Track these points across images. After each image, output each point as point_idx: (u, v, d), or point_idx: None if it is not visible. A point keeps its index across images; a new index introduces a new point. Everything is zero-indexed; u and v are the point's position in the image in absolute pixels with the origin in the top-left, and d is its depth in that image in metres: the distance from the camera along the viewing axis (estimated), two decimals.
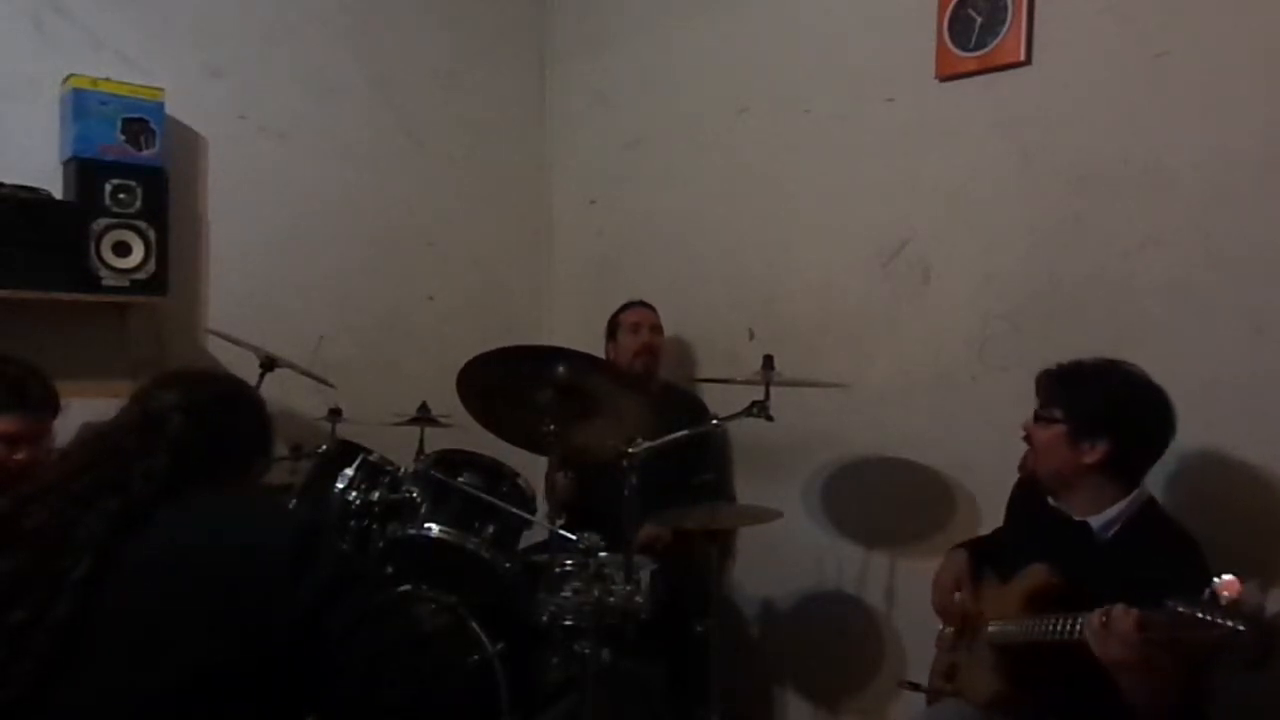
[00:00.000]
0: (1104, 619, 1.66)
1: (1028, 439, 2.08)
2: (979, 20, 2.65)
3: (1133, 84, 2.40)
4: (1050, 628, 1.81)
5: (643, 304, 3.37)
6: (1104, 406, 1.98)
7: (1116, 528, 1.97)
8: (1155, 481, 2.24)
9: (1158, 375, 2.26)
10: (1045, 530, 2.07)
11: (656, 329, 3.31)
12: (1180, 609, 1.52)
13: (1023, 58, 2.57)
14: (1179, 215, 2.33)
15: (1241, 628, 1.45)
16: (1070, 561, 1.95)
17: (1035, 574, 1.98)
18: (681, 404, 3.22)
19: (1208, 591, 1.50)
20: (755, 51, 3.27)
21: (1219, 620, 1.46)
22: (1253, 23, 2.22)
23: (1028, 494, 2.19)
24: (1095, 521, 1.98)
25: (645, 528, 2.76)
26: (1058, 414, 2.00)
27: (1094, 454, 1.96)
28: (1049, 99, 2.55)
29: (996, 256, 2.66)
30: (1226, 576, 1.51)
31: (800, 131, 3.13)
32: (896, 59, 2.85)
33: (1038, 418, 2.04)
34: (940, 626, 2.26)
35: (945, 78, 2.74)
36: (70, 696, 1.26)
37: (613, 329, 3.35)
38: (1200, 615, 1.49)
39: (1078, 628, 1.73)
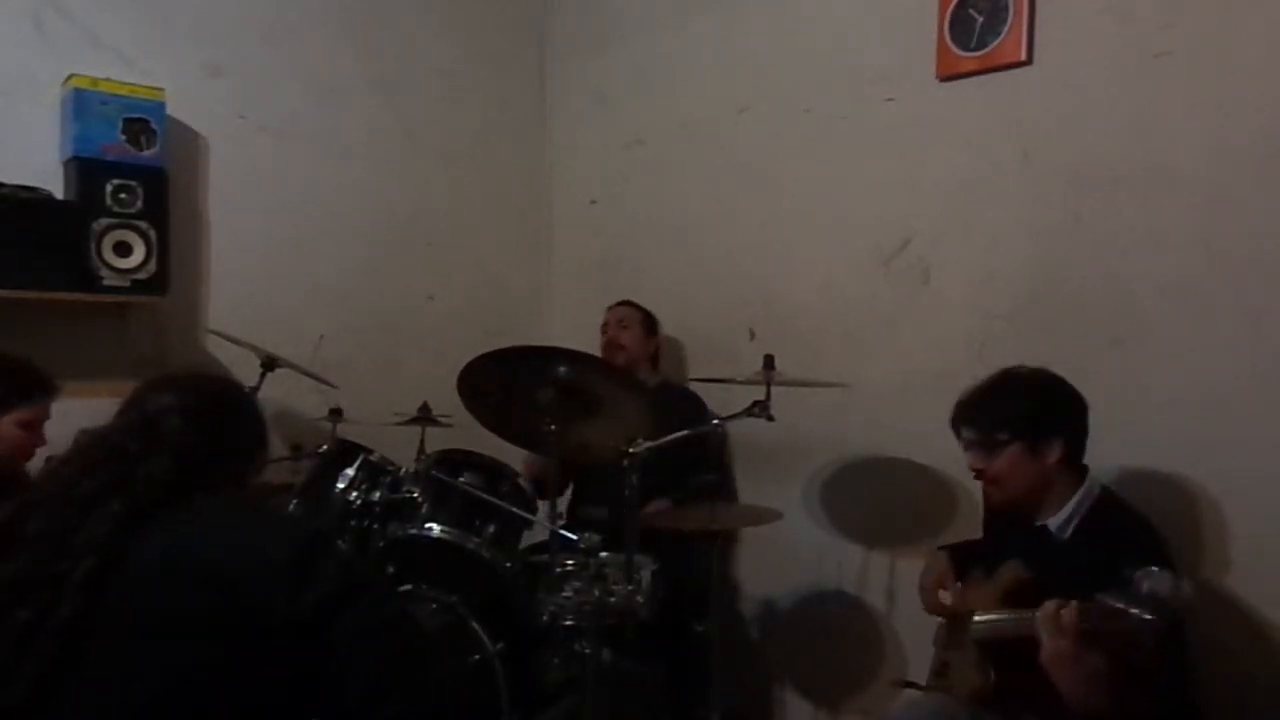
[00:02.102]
0: (1049, 611, 1.66)
1: (981, 475, 2.08)
2: (980, 20, 2.65)
3: (1133, 84, 2.40)
4: (1009, 620, 1.85)
5: (620, 303, 3.41)
6: (1042, 406, 2.02)
7: (1074, 525, 2.00)
8: (1154, 482, 2.25)
9: (1158, 375, 2.28)
10: (1011, 534, 2.11)
11: (625, 324, 3.34)
12: (1107, 601, 1.55)
13: (1023, 58, 2.57)
14: (1179, 215, 2.33)
15: (1149, 615, 1.47)
16: (1035, 564, 1.98)
17: (1008, 570, 2.01)
18: (678, 401, 3.22)
19: (1132, 583, 1.53)
20: (755, 51, 3.27)
21: (1131, 609, 1.49)
22: (1253, 23, 2.22)
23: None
24: (1053, 523, 2.02)
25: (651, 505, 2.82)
26: (1004, 435, 2.01)
27: (1054, 453, 1.99)
28: (1049, 99, 2.55)
29: (996, 256, 2.66)
30: (1153, 569, 1.54)
31: (800, 131, 3.13)
32: (897, 59, 2.86)
33: (987, 449, 2.03)
34: (939, 624, 2.27)
35: (946, 77, 2.74)
36: (73, 697, 1.26)
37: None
38: (1118, 605, 1.51)
39: (1031, 620, 1.73)
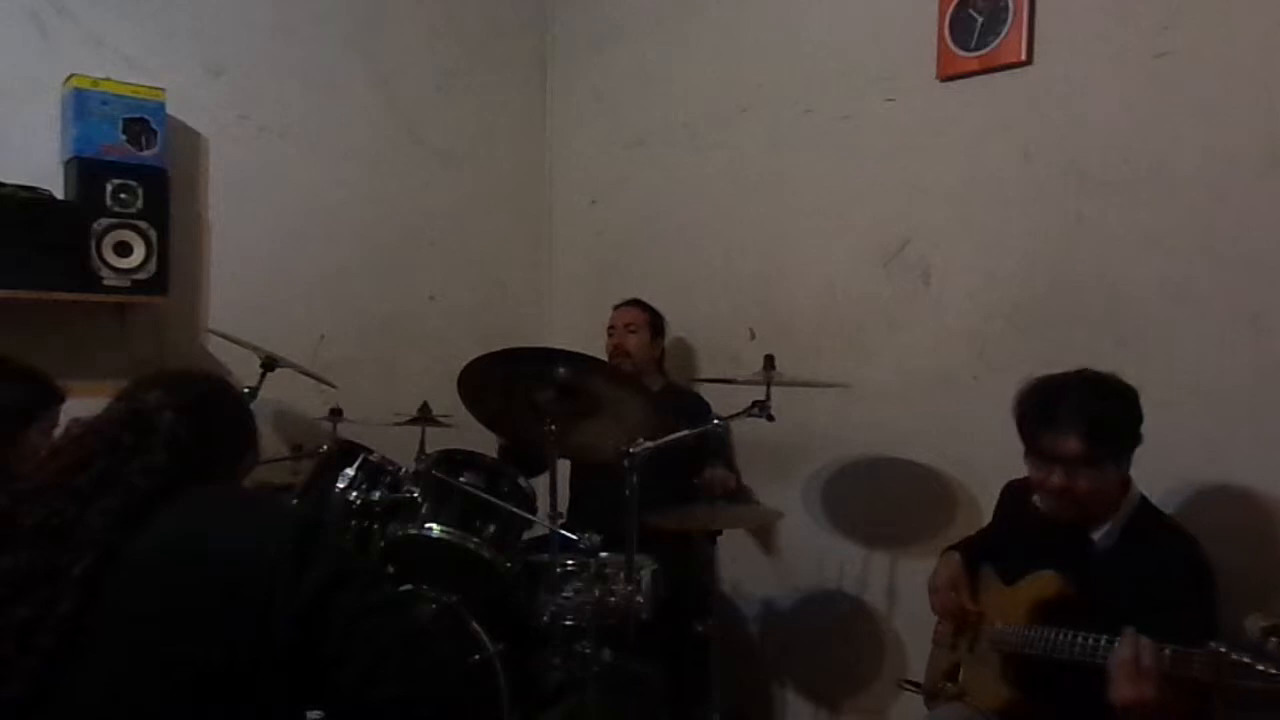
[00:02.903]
0: (1131, 654, 1.59)
1: (1066, 492, 1.92)
2: (980, 20, 2.65)
3: (1133, 84, 2.41)
4: (1069, 646, 1.76)
5: (627, 303, 3.36)
6: (1130, 427, 1.92)
7: (1117, 535, 1.95)
8: (1155, 483, 2.25)
9: (1158, 375, 2.28)
10: (1042, 536, 2.02)
11: (631, 328, 3.28)
12: (1223, 650, 1.48)
13: (1024, 58, 2.57)
14: (1179, 215, 2.33)
15: None
16: (1073, 571, 1.93)
17: (1046, 582, 1.95)
18: (683, 405, 3.19)
19: (1254, 635, 1.46)
20: (755, 51, 3.27)
21: (1273, 671, 1.41)
22: (1253, 23, 2.22)
23: (1017, 497, 2.17)
24: (1097, 532, 1.96)
25: (707, 471, 2.84)
26: (1107, 451, 1.90)
27: (1128, 466, 1.94)
28: (1049, 99, 2.55)
29: (996, 256, 2.66)
30: (1262, 622, 1.46)
31: (800, 131, 3.13)
32: (897, 59, 2.86)
33: (1089, 465, 1.88)
34: (938, 623, 2.26)
35: (946, 78, 2.74)
36: (75, 693, 1.26)
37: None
38: (1250, 662, 1.43)
39: (1099, 652, 1.68)
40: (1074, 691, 1.78)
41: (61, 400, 2.26)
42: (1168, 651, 1.57)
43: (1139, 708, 1.59)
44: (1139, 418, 1.93)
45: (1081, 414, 1.89)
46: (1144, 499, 2.00)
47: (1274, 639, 1.44)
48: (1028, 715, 1.95)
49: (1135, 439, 1.93)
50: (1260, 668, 1.43)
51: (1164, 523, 1.98)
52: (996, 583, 2.11)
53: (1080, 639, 1.75)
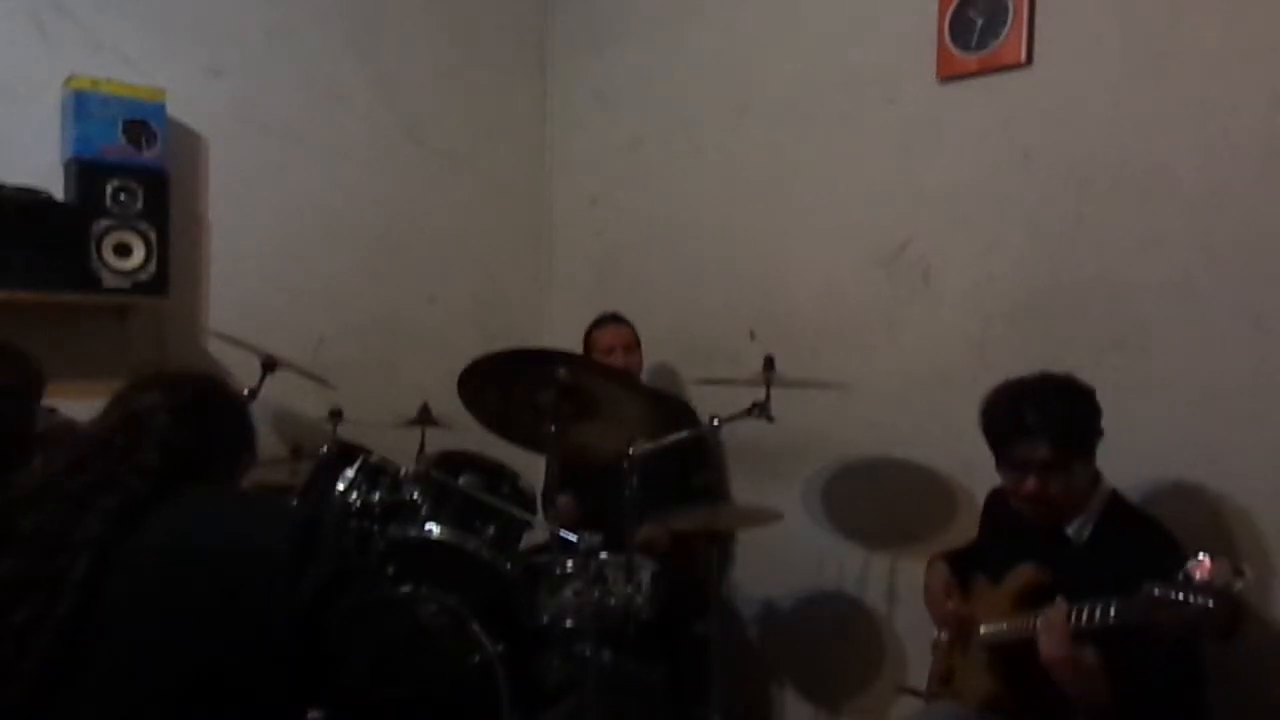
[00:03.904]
0: (1044, 616, 1.72)
1: (1040, 497, 1.97)
2: (980, 21, 2.65)
3: (1133, 84, 2.40)
4: (1024, 624, 1.86)
5: (614, 320, 3.27)
6: (1094, 425, 1.99)
7: (1090, 528, 2.00)
8: (1154, 483, 2.25)
9: (1158, 375, 2.28)
10: (1024, 539, 2.08)
11: (630, 348, 3.21)
12: (1156, 592, 1.58)
13: (1023, 58, 2.57)
14: (1179, 215, 2.32)
15: (1211, 605, 1.51)
16: (1052, 565, 1.99)
17: (1023, 573, 2.01)
18: (670, 410, 3.11)
19: (1182, 573, 1.57)
20: (755, 51, 3.27)
21: (1190, 599, 1.52)
22: (1253, 23, 2.22)
23: (999, 504, 2.20)
24: (1070, 527, 2.01)
25: (644, 528, 2.74)
26: (1074, 451, 1.96)
27: (1093, 462, 2.00)
28: (1049, 99, 2.55)
29: (996, 256, 2.66)
30: (1200, 556, 1.57)
31: (800, 132, 3.13)
32: (897, 59, 2.85)
33: (1058, 469, 1.94)
34: (937, 632, 2.27)
35: (946, 78, 2.74)
36: (74, 695, 1.26)
37: (587, 347, 3.24)
38: (1173, 596, 1.55)
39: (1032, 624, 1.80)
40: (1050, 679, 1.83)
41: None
42: (1069, 609, 1.69)
43: (1056, 664, 1.73)
44: (1099, 413, 1.99)
45: (1047, 420, 1.95)
46: (1115, 492, 2.04)
47: (1199, 574, 1.55)
48: (1010, 705, 1.99)
49: (1098, 435, 1.99)
50: (1183, 598, 1.53)
51: (1136, 514, 2.03)
52: (987, 587, 2.15)
53: (1021, 619, 1.87)
